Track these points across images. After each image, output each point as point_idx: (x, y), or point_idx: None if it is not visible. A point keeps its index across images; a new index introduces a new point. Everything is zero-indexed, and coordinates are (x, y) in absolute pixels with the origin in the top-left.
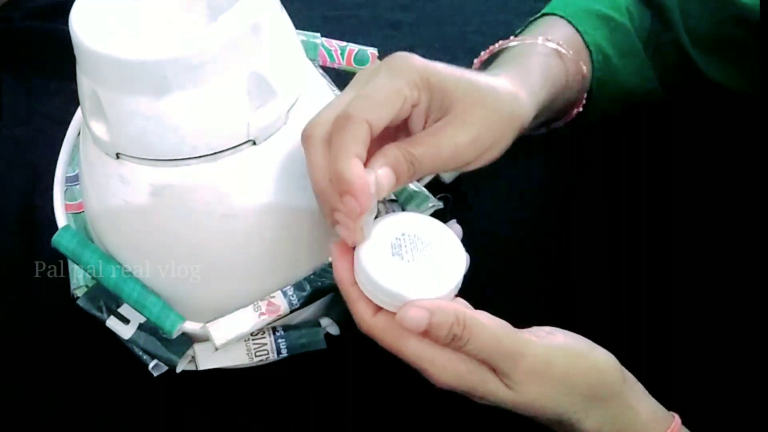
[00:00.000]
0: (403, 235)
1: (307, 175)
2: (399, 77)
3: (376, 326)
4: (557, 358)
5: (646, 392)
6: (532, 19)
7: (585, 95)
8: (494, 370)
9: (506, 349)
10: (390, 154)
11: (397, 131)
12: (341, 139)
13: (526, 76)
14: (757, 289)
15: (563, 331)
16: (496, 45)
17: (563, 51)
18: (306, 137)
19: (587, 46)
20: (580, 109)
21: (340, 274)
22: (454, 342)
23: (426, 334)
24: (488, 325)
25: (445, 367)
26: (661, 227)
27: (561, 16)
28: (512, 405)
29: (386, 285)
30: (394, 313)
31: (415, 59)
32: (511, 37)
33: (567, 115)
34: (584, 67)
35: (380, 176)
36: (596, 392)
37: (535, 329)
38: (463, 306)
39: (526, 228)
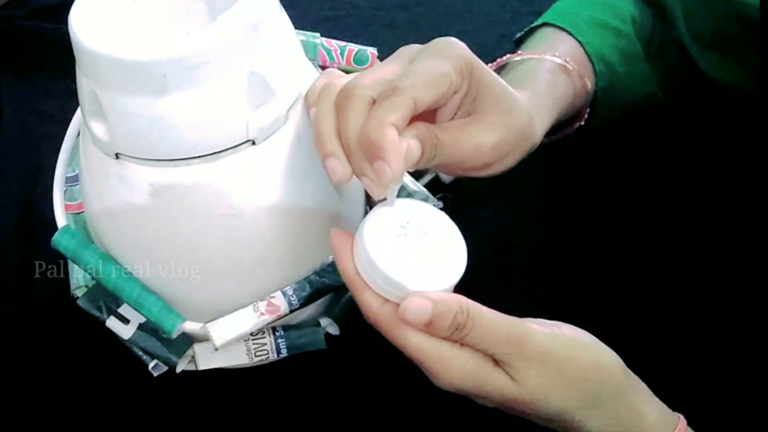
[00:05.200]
0: (408, 223)
1: (312, 141)
2: (447, 60)
3: (384, 316)
4: (558, 348)
5: (651, 393)
6: (532, 26)
7: (588, 109)
8: (496, 363)
9: (508, 337)
10: (420, 128)
11: (423, 118)
12: (385, 107)
13: (536, 98)
14: (762, 290)
15: (568, 325)
16: (504, 58)
17: (570, 67)
18: (346, 96)
19: (589, 57)
20: (582, 122)
21: (344, 264)
22: (457, 332)
23: (428, 326)
24: (490, 314)
25: (451, 365)
26: (663, 226)
27: (562, 28)
28: (516, 401)
29: (389, 273)
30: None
31: (462, 46)
32: (519, 51)
33: (569, 128)
34: (588, 83)
35: (411, 144)
36: (597, 389)
37: (539, 320)
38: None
39: (526, 228)
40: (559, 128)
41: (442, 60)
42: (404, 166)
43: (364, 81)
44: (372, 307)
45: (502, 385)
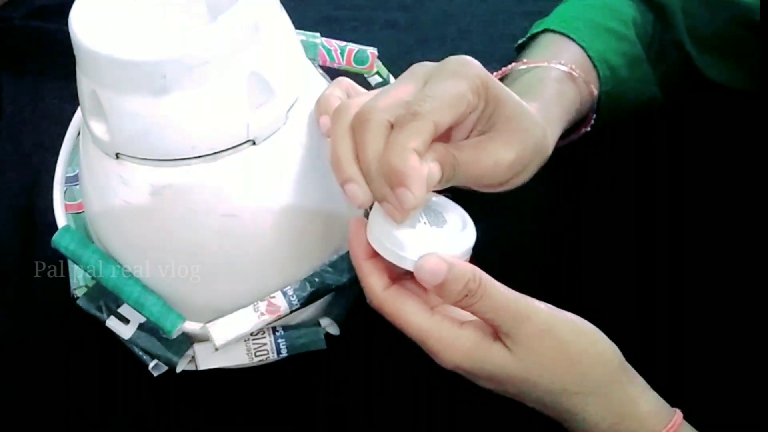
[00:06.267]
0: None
1: (330, 165)
2: (463, 80)
3: (387, 300)
4: (560, 328)
5: (648, 386)
6: (533, 32)
7: (594, 114)
8: (497, 335)
9: (514, 310)
10: (439, 150)
11: (439, 137)
12: (406, 133)
13: (546, 109)
14: (762, 289)
15: (573, 313)
16: (509, 66)
17: (575, 74)
18: (364, 120)
19: (593, 63)
20: (588, 128)
21: (356, 249)
22: (466, 298)
23: (439, 287)
24: (501, 287)
25: (453, 345)
26: (663, 226)
27: (564, 34)
28: (513, 377)
29: (402, 239)
30: (405, 289)
31: (477, 64)
32: (523, 59)
33: (574, 133)
34: (594, 89)
35: (432, 168)
36: (593, 374)
37: (545, 303)
38: None
39: (526, 230)
40: (565, 134)
41: (458, 80)
42: (426, 191)
43: (380, 104)
44: (376, 290)
45: (502, 360)
